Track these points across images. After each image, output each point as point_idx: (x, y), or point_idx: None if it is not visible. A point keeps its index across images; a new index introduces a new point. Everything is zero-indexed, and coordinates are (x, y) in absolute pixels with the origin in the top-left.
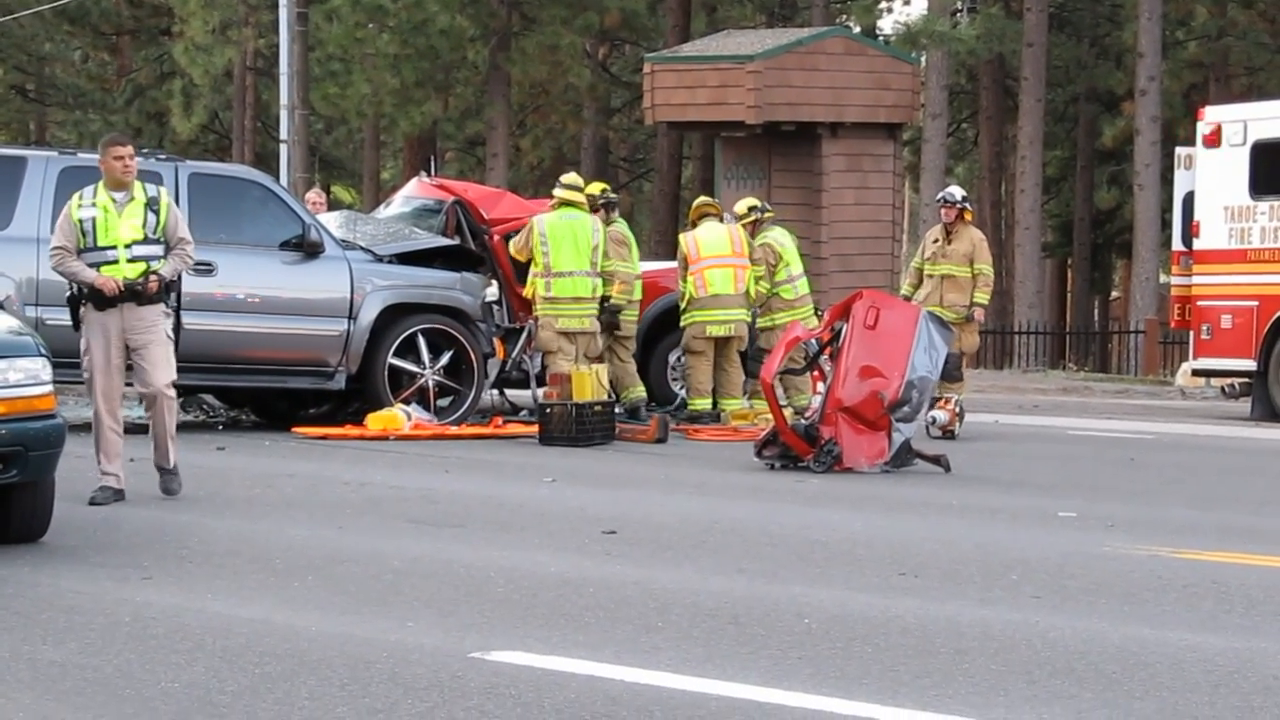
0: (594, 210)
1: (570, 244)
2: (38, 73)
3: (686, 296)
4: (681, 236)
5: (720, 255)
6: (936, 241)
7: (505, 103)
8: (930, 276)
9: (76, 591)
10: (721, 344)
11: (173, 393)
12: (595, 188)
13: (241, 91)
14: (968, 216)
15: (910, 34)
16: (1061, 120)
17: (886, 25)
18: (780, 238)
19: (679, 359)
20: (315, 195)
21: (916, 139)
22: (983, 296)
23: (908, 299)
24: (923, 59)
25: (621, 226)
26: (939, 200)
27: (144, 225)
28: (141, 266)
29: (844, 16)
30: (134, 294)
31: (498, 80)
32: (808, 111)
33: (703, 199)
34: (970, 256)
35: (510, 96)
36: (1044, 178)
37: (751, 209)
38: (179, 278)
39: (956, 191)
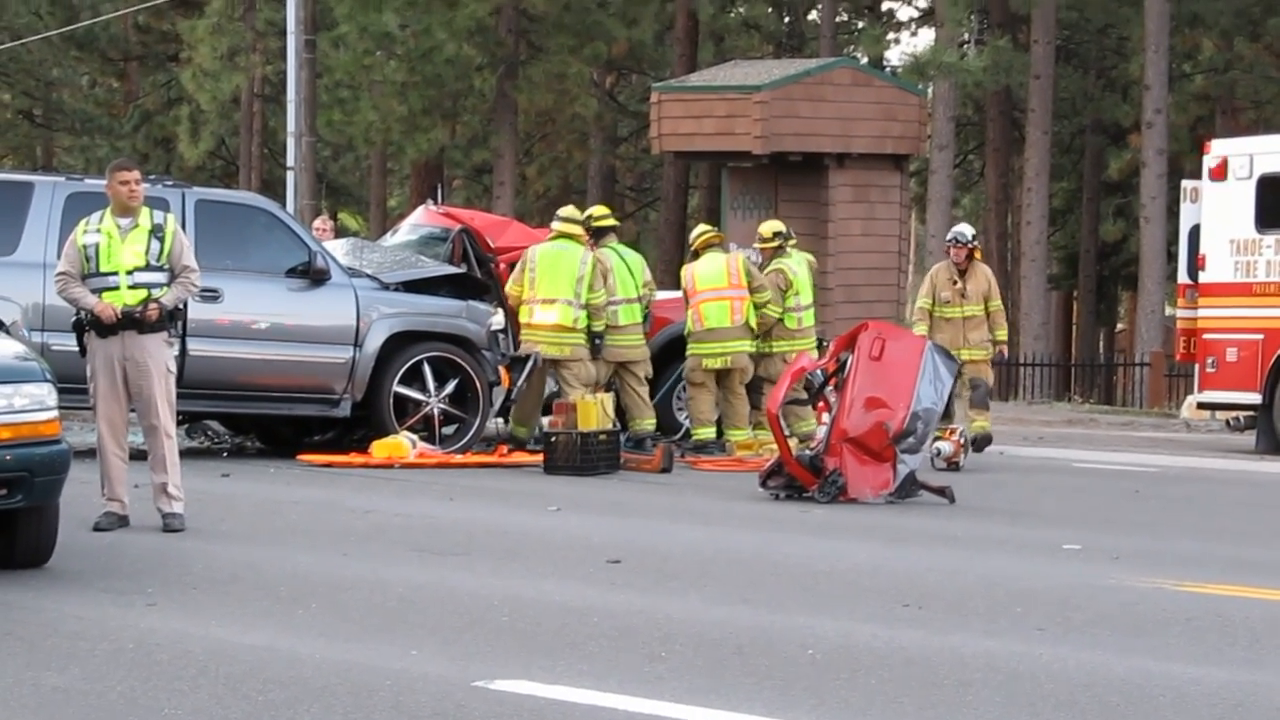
0: (586, 230)
1: (554, 273)
2: (45, 98)
3: (688, 330)
4: (683, 270)
5: (717, 288)
6: (956, 284)
7: (512, 131)
8: (949, 320)
9: (80, 617)
10: (723, 375)
11: (173, 429)
12: (597, 211)
13: (249, 118)
14: (977, 255)
15: (917, 65)
16: (1068, 152)
17: (894, 56)
18: (794, 265)
19: (683, 389)
20: (322, 223)
21: (923, 170)
22: (1002, 333)
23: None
24: (930, 90)
25: (608, 253)
26: (950, 240)
27: (147, 252)
28: (143, 294)
29: (851, 47)
30: (133, 321)
31: (505, 108)
32: (814, 142)
33: (706, 228)
34: (986, 295)
35: (517, 125)
36: (1050, 209)
37: (776, 234)
38: (183, 306)
39: (967, 230)
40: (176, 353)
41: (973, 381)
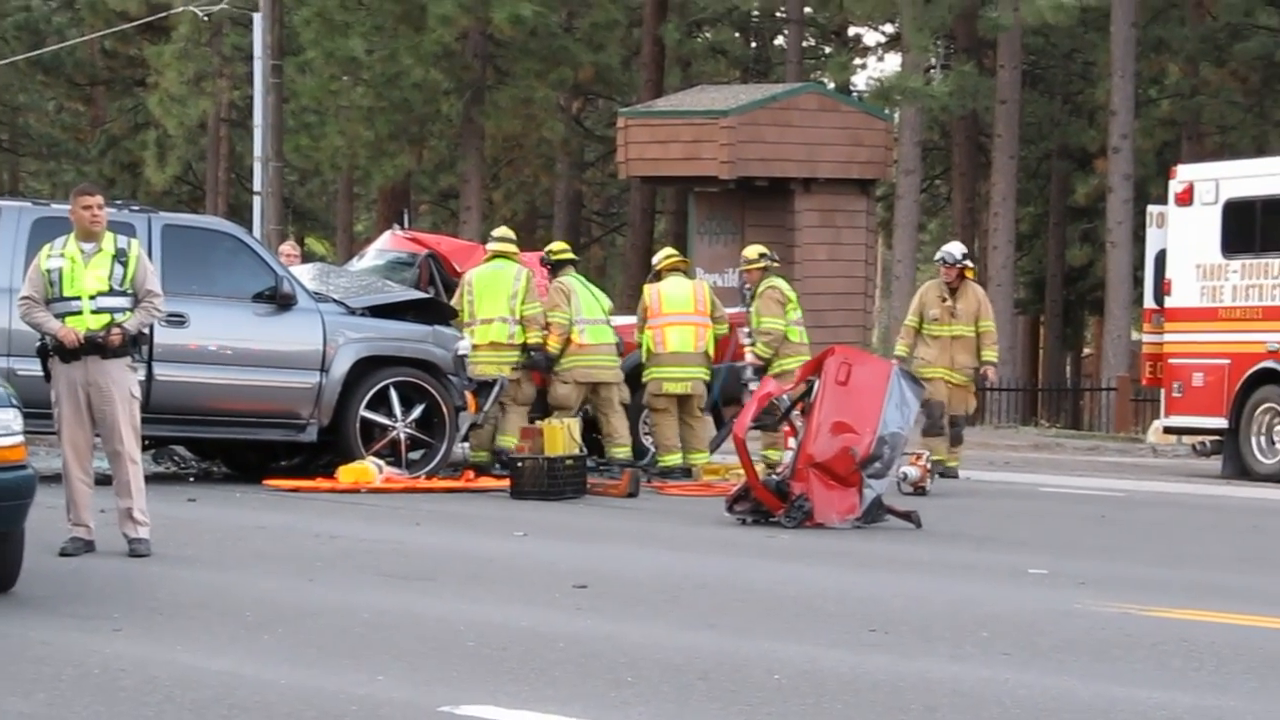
0: (543, 265)
1: (492, 293)
2: (11, 123)
3: (645, 351)
4: (646, 289)
5: (683, 312)
6: (945, 301)
7: (479, 156)
8: (936, 338)
9: (45, 643)
10: (683, 400)
11: (138, 454)
12: (555, 246)
13: (215, 143)
14: (968, 274)
15: (884, 90)
16: (1034, 177)
17: (860, 81)
18: (784, 284)
19: (647, 415)
20: (290, 248)
21: (890, 195)
22: (991, 354)
23: (903, 359)
24: (896, 115)
25: (570, 280)
26: (938, 260)
27: (110, 277)
28: (106, 318)
29: (818, 73)
30: (96, 346)
31: (471, 133)
32: (781, 167)
33: (670, 251)
34: (977, 315)
35: (484, 150)
36: (1017, 234)
37: (762, 255)
38: (148, 331)
39: (956, 250)
40: (141, 378)
41: (952, 418)
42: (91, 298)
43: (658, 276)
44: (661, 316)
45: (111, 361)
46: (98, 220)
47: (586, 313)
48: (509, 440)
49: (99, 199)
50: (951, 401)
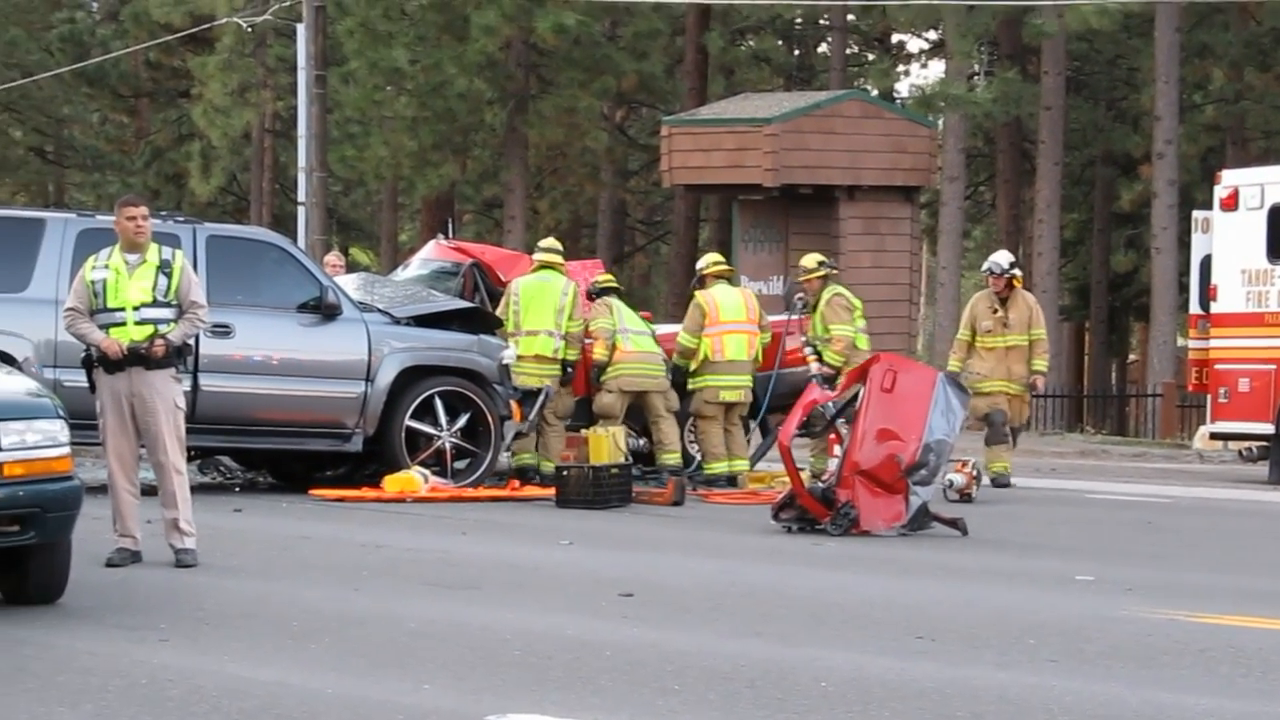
0: (589, 298)
1: (539, 304)
2: (56, 134)
3: (701, 358)
4: (699, 295)
5: (738, 320)
6: (996, 312)
7: (522, 165)
8: (991, 350)
9: (93, 653)
10: (728, 407)
11: (183, 465)
12: (601, 276)
13: (259, 154)
14: (1017, 282)
15: (927, 98)
16: (1079, 183)
17: (903, 88)
18: (848, 291)
19: (694, 421)
20: (335, 258)
21: (934, 202)
22: (1041, 363)
23: (957, 373)
24: (940, 122)
25: (613, 299)
26: (985, 271)
27: (154, 288)
28: (149, 329)
29: (861, 80)
30: (140, 357)
31: (515, 143)
32: (825, 174)
33: (717, 257)
34: (1029, 323)
35: (527, 159)
36: (1061, 241)
37: (820, 263)
38: (192, 342)
39: (1003, 259)
40: (186, 388)
41: (1011, 428)
42: (135, 309)
43: (702, 283)
44: (718, 324)
45: (155, 373)
46: (142, 231)
47: (629, 323)
48: (549, 465)
49: (144, 210)
50: (1010, 411)
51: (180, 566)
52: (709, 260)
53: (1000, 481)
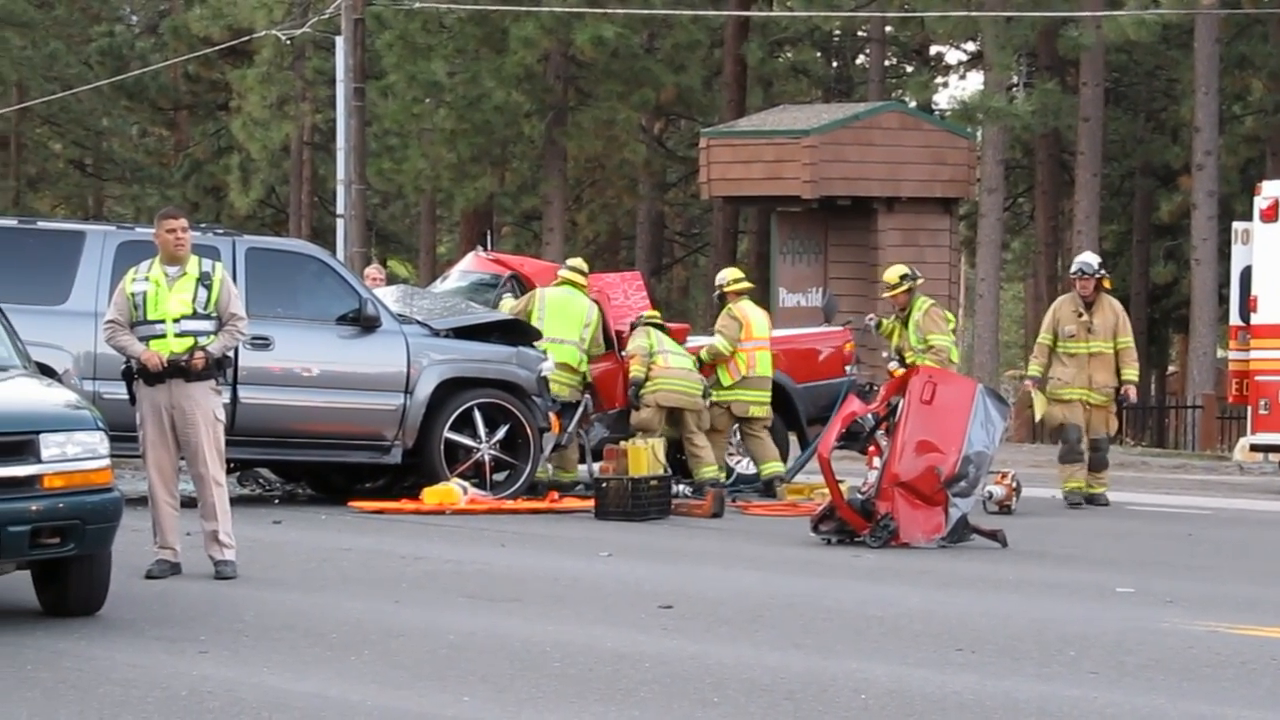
0: (631, 329)
1: (563, 316)
2: (95, 147)
3: (740, 375)
4: (735, 309)
5: (765, 338)
6: (1081, 316)
7: (561, 177)
8: (1073, 356)
9: (133, 665)
10: (755, 419)
11: (222, 476)
12: (648, 312)
13: (298, 166)
14: (1106, 284)
15: (966, 110)
16: (1118, 195)
17: (942, 100)
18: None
19: (735, 433)
20: (375, 271)
21: (972, 213)
22: (1132, 372)
23: (1037, 379)
24: (978, 133)
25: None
26: (1075, 271)
27: (194, 300)
28: (189, 341)
29: (899, 91)
30: (179, 370)
31: (554, 155)
32: (863, 186)
33: (737, 274)
34: (1115, 330)
35: (566, 171)
36: (1100, 252)
37: (904, 276)
38: (231, 354)
39: (1093, 260)
40: (226, 401)
41: (1094, 442)
42: (175, 321)
43: (723, 299)
44: (752, 339)
45: (195, 384)
46: (182, 244)
47: (668, 345)
48: (569, 475)
49: (183, 222)
50: (1092, 423)
51: (220, 578)
52: (731, 277)
53: (1072, 500)
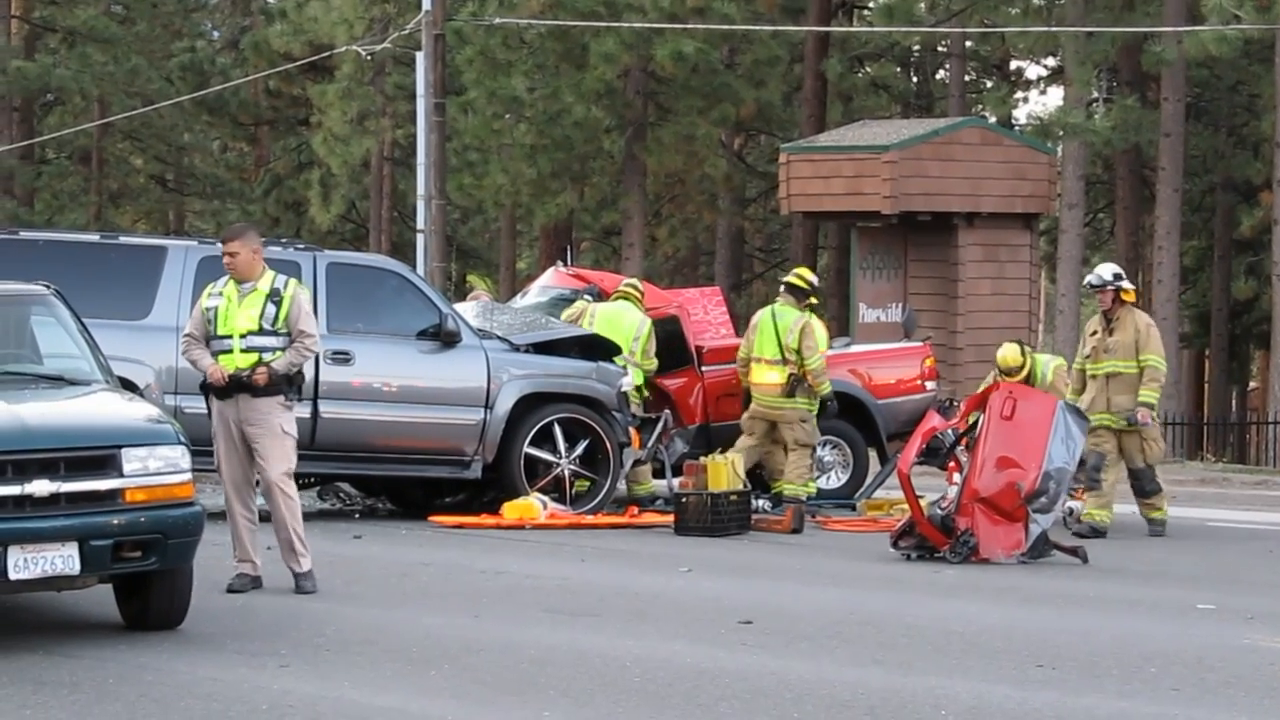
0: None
1: (612, 329)
2: (177, 163)
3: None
4: (815, 326)
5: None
6: (1095, 334)
7: (641, 193)
8: (1093, 378)
9: (214, 679)
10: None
11: (290, 487)
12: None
13: (379, 181)
14: (1127, 297)
15: (1046, 125)
16: (1199, 210)
17: (1021, 115)
18: None
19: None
20: (482, 292)
21: (1053, 229)
22: (1149, 394)
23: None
24: (1059, 149)
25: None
26: (1086, 285)
27: (261, 316)
28: (253, 357)
29: (979, 107)
30: (243, 385)
31: (633, 170)
32: (944, 201)
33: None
34: (1136, 348)
35: (646, 186)
36: (1181, 268)
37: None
38: (300, 371)
39: (1105, 271)
40: (301, 414)
41: (1131, 472)
42: (242, 336)
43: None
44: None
45: (262, 400)
46: (233, 266)
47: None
48: (645, 488)
49: (235, 245)
50: (1125, 451)
51: (300, 593)
52: (806, 279)
53: (1089, 530)
